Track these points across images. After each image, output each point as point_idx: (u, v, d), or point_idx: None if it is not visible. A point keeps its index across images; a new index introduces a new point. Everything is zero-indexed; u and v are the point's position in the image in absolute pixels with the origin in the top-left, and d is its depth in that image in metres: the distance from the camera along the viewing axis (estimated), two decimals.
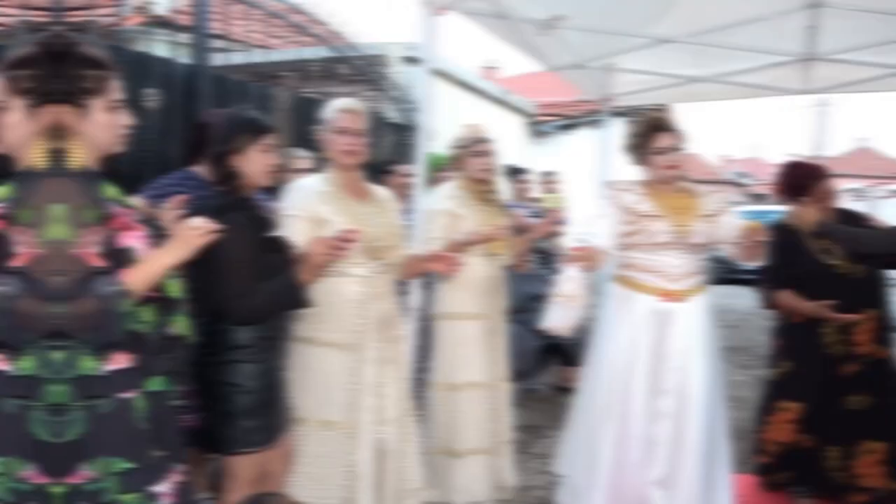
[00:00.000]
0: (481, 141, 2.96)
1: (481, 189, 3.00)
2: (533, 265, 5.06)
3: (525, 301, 4.65)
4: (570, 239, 2.84)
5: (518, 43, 3.72)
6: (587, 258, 2.53)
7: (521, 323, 4.59)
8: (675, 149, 2.66)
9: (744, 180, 31.25)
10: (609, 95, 5.12)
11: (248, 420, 1.99)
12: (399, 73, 5.37)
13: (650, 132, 2.67)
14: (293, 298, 2.04)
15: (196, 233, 1.52)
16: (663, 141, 2.65)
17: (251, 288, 1.93)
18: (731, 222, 2.73)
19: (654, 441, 2.62)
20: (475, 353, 2.95)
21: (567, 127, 9.05)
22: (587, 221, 2.83)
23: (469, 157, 2.94)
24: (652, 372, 2.63)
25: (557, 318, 2.63)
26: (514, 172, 5.81)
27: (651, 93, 5.21)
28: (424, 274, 2.72)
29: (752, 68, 4.45)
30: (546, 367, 4.90)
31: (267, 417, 2.03)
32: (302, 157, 3.44)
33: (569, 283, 2.57)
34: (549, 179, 6.54)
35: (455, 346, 2.95)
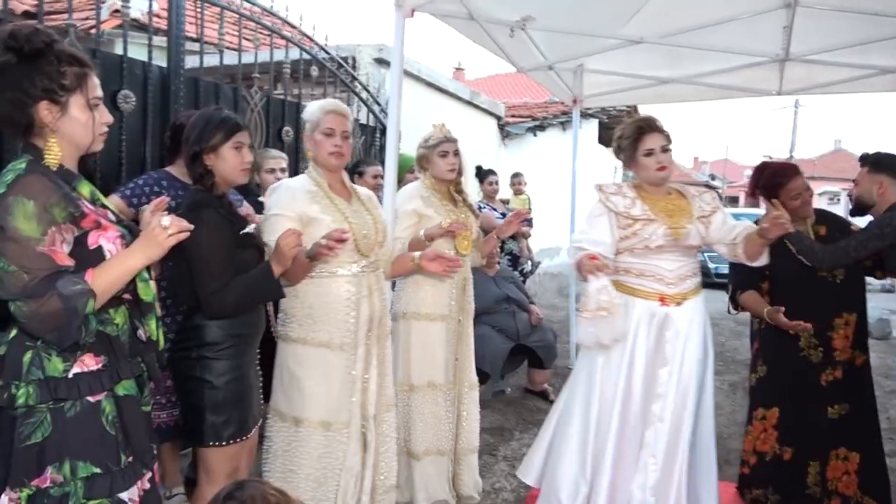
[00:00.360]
0: (447, 141, 2.93)
1: (448, 189, 2.99)
2: (502, 267, 5.07)
3: (494, 302, 4.64)
4: (571, 248, 2.70)
5: (488, 45, 3.68)
6: (601, 267, 2.44)
7: (488, 324, 4.59)
8: (664, 149, 2.61)
9: (715, 183, 31.75)
10: (579, 97, 5.15)
11: (218, 415, 2.01)
12: (369, 74, 5.30)
13: (639, 134, 2.63)
14: (265, 291, 2.06)
15: (165, 233, 1.47)
16: (652, 142, 2.60)
17: (226, 284, 1.95)
18: (726, 222, 2.69)
19: (647, 445, 2.59)
20: (437, 355, 2.92)
21: (536, 128, 9.05)
22: (581, 228, 2.75)
23: (435, 157, 2.91)
24: (648, 376, 2.60)
25: (600, 333, 2.48)
26: (483, 173, 5.81)
27: (621, 94, 5.23)
28: (412, 272, 2.66)
29: (725, 69, 4.46)
30: (514, 369, 4.88)
31: (238, 412, 2.04)
32: (276, 157, 3.40)
33: (601, 293, 2.43)
34: (516, 180, 6.54)
35: (417, 347, 2.91)
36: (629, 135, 2.65)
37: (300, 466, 2.26)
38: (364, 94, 4.99)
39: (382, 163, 3.56)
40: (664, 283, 2.60)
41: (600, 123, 10.89)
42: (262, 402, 2.27)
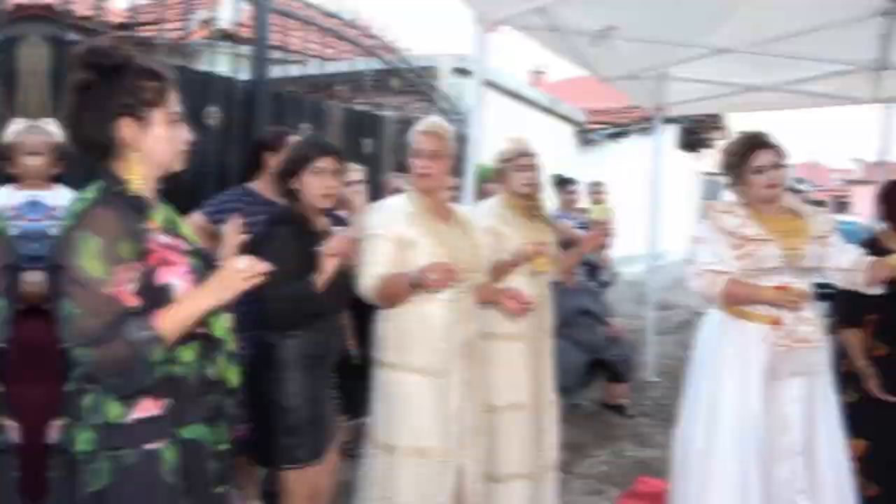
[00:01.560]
0: (525, 154, 2.84)
1: (525, 204, 2.89)
2: (579, 278, 4.99)
3: (571, 315, 4.57)
4: (692, 273, 2.59)
5: (570, 54, 3.67)
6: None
7: (566, 338, 4.52)
8: (776, 166, 2.49)
9: (802, 186, 30.23)
10: (662, 104, 5.04)
11: (291, 437, 2.04)
12: (449, 84, 5.36)
13: (749, 150, 2.51)
14: (308, 302, 2.04)
15: (240, 275, 1.40)
16: (763, 158, 2.48)
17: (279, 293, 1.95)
18: (844, 247, 2.56)
19: (789, 481, 2.47)
20: (517, 374, 2.85)
21: (617, 135, 8.89)
22: (694, 250, 2.62)
23: (513, 171, 2.82)
24: (770, 407, 2.48)
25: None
26: (562, 182, 5.74)
27: (706, 102, 5.10)
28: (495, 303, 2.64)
29: (816, 77, 4.30)
30: (591, 382, 4.80)
31: (311, 435, 2.07)
32: (353, 170, 3.47)
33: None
34: (596, 189, 6.43)
35: (498, 367, 2.83)
36: (738, 150, 2.53)
37: (397, 494, 2.25)
38: (443, 104, 5.05)
39: (459, 173, 3.56)
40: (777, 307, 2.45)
41: (681, 128, 10.60)
42: (346, 420, 2.31)
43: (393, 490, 2.25)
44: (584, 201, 6.43)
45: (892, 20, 3.00)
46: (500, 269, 2.68)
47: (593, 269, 5.70)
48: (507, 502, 2.88)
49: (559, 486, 3.33)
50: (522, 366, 2.87)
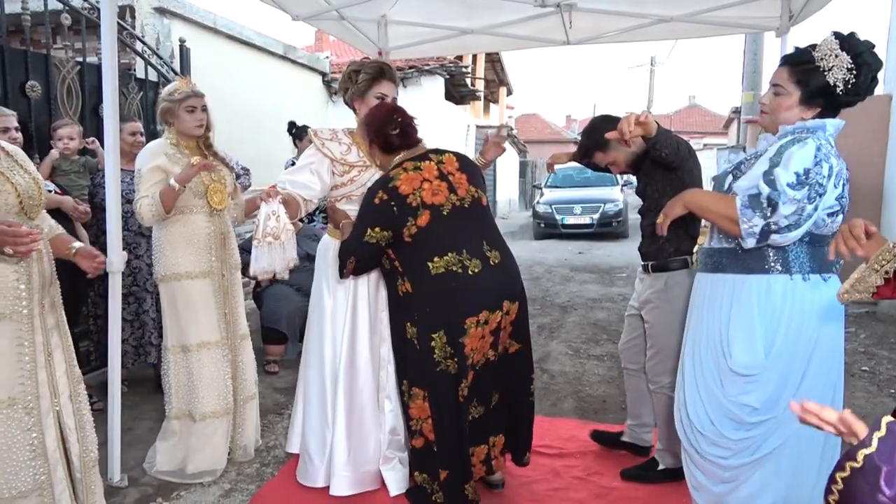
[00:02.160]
0: (194, 95, 2.86)
1: (196, 145, 2.93)
2: (305, 225, 4.89)
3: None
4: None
5: None
6: (272, 193, 2.51)
7: (287, 283, 4.43)
8: (394, 99, 2.71)
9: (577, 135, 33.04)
10: (384, 49, 4.96)
11: None
12: (149, 24, 4.82)
13: (378, 75, 2.68)
14: None
15: None
16: (387, 89, 2.69)
17: None
18: None
19: (382, 387, 2.76)
20: (205, 312, 2.90)
21: None
22: (289, 171, 2.81)
23: (181, 111, 2.84)
24: (373, 319, 2.75)
25: (273, 261, 2.50)
26: (300, 130, 5.56)
27: (425, 45, 5.09)
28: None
29: (516, 20, 4.46)
30: None
31: None
32: (7, 115, 3.15)
33: (269, 220, 2.44)
34: None
35: (184, 308, 2.88)
36: (370, 72, 2.68)
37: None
38: (140, 47, 4.51)
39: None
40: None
41: (446, 80, 10.82)
42: None
43: None
44: None
45: None
46: (174, 192, 2.67)
47: (328, 215, 5.61)
48: (204, 441, 2.89)
49: (265, 427, 3.40)
50: (212, 304, 2.89)
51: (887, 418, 0.98)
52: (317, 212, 5.27)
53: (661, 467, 2.89)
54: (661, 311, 2.75)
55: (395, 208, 2.38)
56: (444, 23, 4.69)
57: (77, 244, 2.31)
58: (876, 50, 1.92)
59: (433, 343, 2.39)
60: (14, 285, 2.00)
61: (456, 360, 2.39)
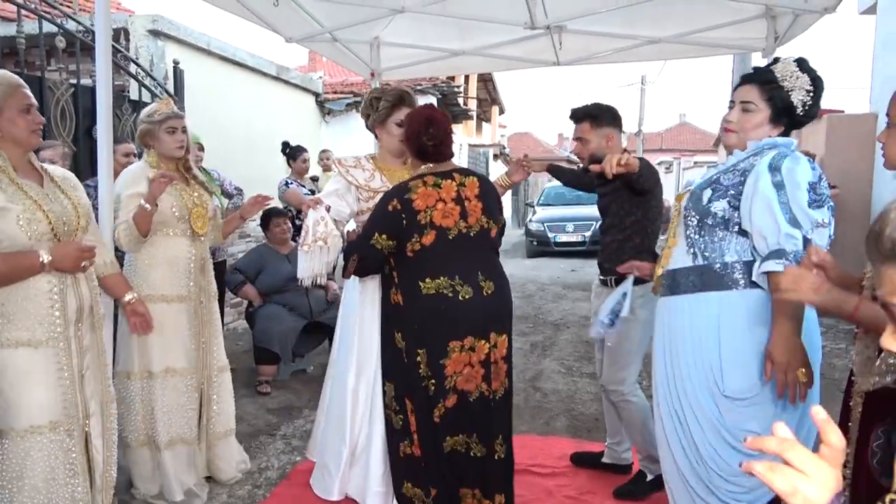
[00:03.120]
0: (175, 117, 2.82)
1: (177, 167, 2.89)
2: (297, 244, 4.91)
3: (284, 281, 4.48)
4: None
5: (244, 14, 3.42)
6: (318, 200, 2.64)
7: (279, 303, 4.44)
8: None
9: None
10: (377, 70, 5.01)
11: None
12: (144, 47, 4.85)
13: (399, 102, 2.77)
14: None
15: None
16: (403, 115, 2.71)
17: None
18: None
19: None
20: (176, 338, 2.81)
21: (358, 104, 8.88)
22: (324, 196, 2.83)
23: (162, 133, 2.79)
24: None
25: (316, 264, 2.59)
26: (294, 150, 5.62)
27: (418, 66, 5.15)
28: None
29: (507, 41, 4.51)
30: (314, 347, 4.78)
31: None
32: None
33: (319, 225, 2.54)
34: (324, 156, 6.39)
35: (156, 330, 2.73)
36: (390, 99, 2.78)
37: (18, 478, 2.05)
38: (135, 69, 4.55)
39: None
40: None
41: (438, 100, 10.88)
42: None
43: (6, 477, 2.05)
44: (315, 170, 6.42)
45: None
46: (148, 214, 2.61)
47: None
48: (173, 468, 2.81)
49: (258, 448, 3.38)
50: (183, 329, 2.81)
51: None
52: None
53: (649, 478, 2.89)
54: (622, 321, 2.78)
55: (404, 221, 2.38)
56: (436, 44, 4.74)
57: (131, 296, 2.49)
58: (862, 70, 1.99)
59: (418, 359, 2.41)
60: (49, 312, 2.06)
61: (433, 381, 2.40)
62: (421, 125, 2.48)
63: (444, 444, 2.45)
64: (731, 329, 1.92)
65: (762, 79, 2.00)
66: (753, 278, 1.89)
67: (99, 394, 2.27)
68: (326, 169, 6.41)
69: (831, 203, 1.86)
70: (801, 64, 1.97)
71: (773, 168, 1.86)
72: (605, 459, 3.20)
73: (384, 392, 2.60)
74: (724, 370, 1.92)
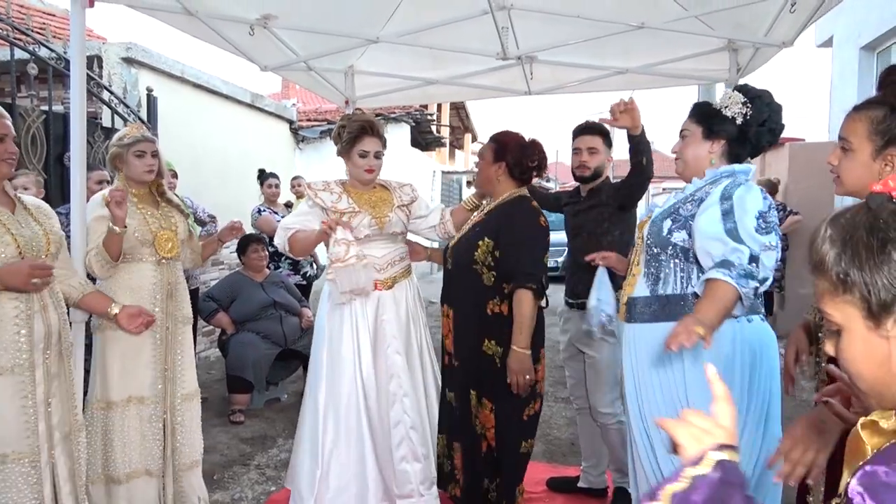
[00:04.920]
0: (144, 140, 2.77)
1: (148, 191, 2.86)
2: (272, 272, 4.89)
3: (259, 308, 4.46)
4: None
5: (219, 43, 3.45)
6: (339, 221, 2.69)
7: (253, 331, 4.41)
8: (377, 155, 2.85)
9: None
10: (351, 98, 5.06)
11: None
12: (117, 74, 4.84)
13: (360, 133, 2.81)
14: None
15: None
16: (369, 145, 2.82)
17: None
18: (429, 207, 3.07)
19: (401, 422, 2.79)
20: (138, 366, 2.71)
21: (331, 132, 8.90)
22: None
23: (130, 157, 2.74)
24: (378, 357, 2.80)
25: (351, 281, 2.67)
26: (264, 176, 5.63)
27: (392, 94, 5.22)
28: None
29: (480, 71, 4.60)
30: (288, 375, 4.74)
31: None
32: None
33: (351, 246, 2.63)
34: (296, 182, 6.40)
35: (115, 359, 2.68)
36: (352, 131, 2.81)
37: None
38: (108, 96, 4.53)
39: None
40: (375, 270, 2.78)
41: (412, 127, 10.99)
42: None
43: None
44: (287, 196, 6.42)
45: (506, 14, 3.26)
46: (118, 238, 2.55)
47: (295, 262, 5.62)
48: (129, 501, 2.70)
49: (231, 479, 3.32)
50: (148, 358, 2.72)
51: (721, 452, 0.84)
52: (282, 258, 5.27)
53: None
54: (607, 343, 2.82)
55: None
56: (410, 73, 4.81)
57: (116, 307, 2.44)
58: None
59: None
60: (14, 338, 2.04)
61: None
62: (527, 148, 2.71)
63: (523, 445, 2.68)
64: (697, 355, 1.95)
65: (696, 108, 2.13)
66: (695, 288, 1.95)
67: (66, 423, 2.23)
68: (299, 196, 6.41)
69: (780, 232, 1.93)
70: (738, 86, 2.10)
71: (725, 197, 1.94)
72: (581, 484, 3.21)
73: (467, 399, 2.70)
74: (689, 391, 1.97)
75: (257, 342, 4.34)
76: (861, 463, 0.82)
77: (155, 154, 2.76)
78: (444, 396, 2.86)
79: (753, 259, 1.82)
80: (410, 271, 3.01)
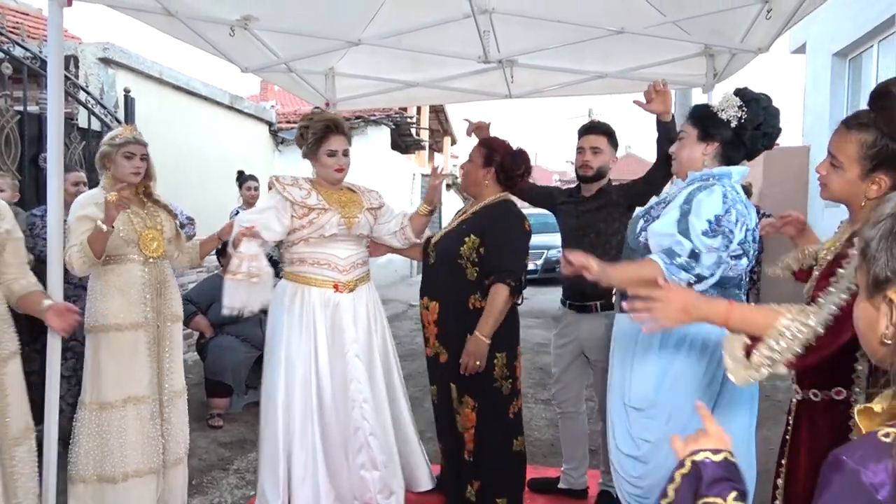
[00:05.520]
0: (135, 143, 2.79)
1: (135, 192, 2.85)
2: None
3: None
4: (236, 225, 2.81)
5: (199, 43, 3.42)
6: (256, 233, 2.61)
7: (233, 334, 4.38)
8: (345, 153, 2.83)
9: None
10: (332, 100, 5.05)
11: None
12: (94, 74, 4.79)
13: (325, 132, 2.78)
14: None
15: None
16: (337, 144, 2.80)
17: None
18: (393, 213, 3.04)
19: (360, 427, 2.74)
20: (136, 366, 2.74)
21: None
22: (252, 212, 2.92)
23: (119, 157, 2.75)
24: (334, 361, 2.75)
25: (251, 299, 2.61)
26: (242, 179, 5.61)
27: (373, 97, 5.22)
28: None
29: (461, 74, 4.63)
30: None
31: None
32: None
33: (254, 260, 2.56)
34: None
35: (109, 361, 2.70)
36: (317, 131, 2.78)
37: None
38: (85, 96, 4.48)
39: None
40: (338, 271, 2.77)
41: (392, 130, 10.98)
42: None
43: None
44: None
45: (487, 17, 3.29)
46: (102, 235, 2.54)
47: (275, 263, 5.58)
48: (126, 501, 2.71)
49: (210, 483, 3.29)
50: (143, 357, 2.75)
51: (697, 455, 1.05)
52: None
53: None
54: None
55: None
56: (390, 76, 4.81)
57: (47, 301, 2.33)
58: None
59: (495, 361, 2.69)
60: None
61: (510, 381, 2.72)
62: (518, 159, 2.84)
63: (515, 443, 2.74)
64: (645, 347, 2.09)
65: (694, 110, 2.16)
66: None
67: None
68: None
69: (732, 238, 1.96)
70: (737, 90, 2.12)
71: (686, 201, 2.01)
72: (561, 485, 3.23)
73: (448, 393, 2.75)
74: (633, 382, 2.10)
75: (236, 345, 4.31)
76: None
77: (144, 157, 2.78)
78: (428, 392, 2.98)
79: (693, 255, 1.91)
80: (370, 276, 2.98)
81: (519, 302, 2.78)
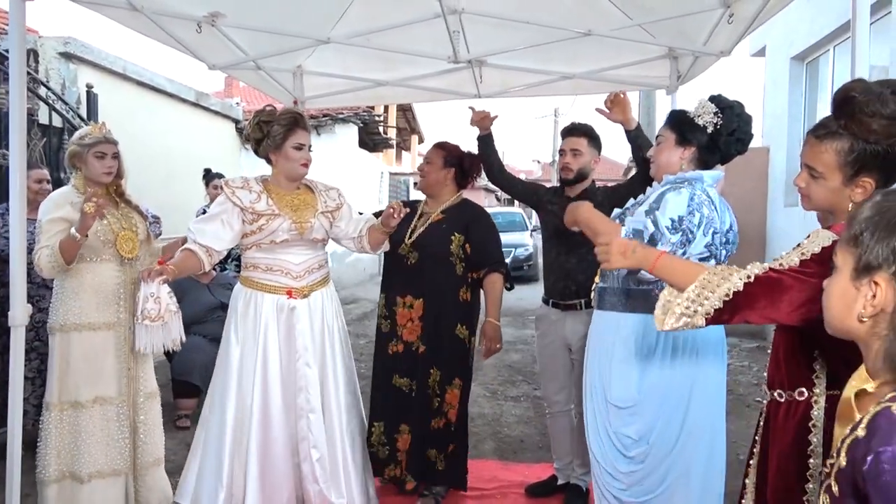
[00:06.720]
0: (106, 142, 2.76)
1: (106, 192, 2.82)
2: (218, 273, 4.81)
3: (205, 311, 4.39)
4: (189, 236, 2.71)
5: (164, 39, 3.38)
6: (161, 272, 2.43)
7: (200, 334, 4.33)
8: (309, 147, 2.76)
9: (493, 186, 33.52)
10: (300, 98, 5.02)
11: None
12: (55, 69, 4.69)
13: (294, 125, 2.70)
14: None
15: None
16: (304, 138, 2.72)
17: None
18: (353, 217, 2.90)
19: (304, 438, 2.66)
20: (103, 366, 2.72)
21: None
22: (199, 220, 2.76)
23: (90, 157, 2.72)
24: (285, 369, 2.66)
25: (156, 340, 2.48)
26: (210, 177, 5.53)
27: (342, 95, 5.20)
28: None
29: (432, 73, 4.64)
30: None
31: None
32: None
33: (147, 302, 2.38)
34: None
35: (79, 360, 2.68)
36: (285, 124, 2.67)
37: None
38: (44, 92, 4.38)
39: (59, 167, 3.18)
40: (291, 277, 2.68)
41: (360, 129, 10.94)
42: None
43: None
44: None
45: (457, 18, 3.32)
46: (75, 243, 2.52)
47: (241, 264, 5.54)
48: (91, 502, 2.68)
49: (176, 484, 3.23)
50: (112, 357, 2.72)
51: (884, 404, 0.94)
52: (229, 259, 5.19)
53: None
54: None
55: None
56: (359, 74, 4.79)
57: None
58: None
59: (470, 341, 3.08)
60: None
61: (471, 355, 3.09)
62: (477, 164, 3.22)
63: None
64: (624, 345, 2.16)
65: (672, 116, 2.22)
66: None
67: None
68: None
69: (692, 238, 2.04)
70: (711, 97, 2.20)
71: (657, 200, 2.10)
72: (561, 481, 3.24)
73: (426, 380, 2.96)
74: (613, 380, 2.16)
75: (204, 345, 4.26)
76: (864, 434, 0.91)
77: (115, 156, 2.76)
78: (388, 384, 3.01)
79: (652, 241, 1.99)
80: (328, 280, 2.88)
81: (509, 287, 3.08)
